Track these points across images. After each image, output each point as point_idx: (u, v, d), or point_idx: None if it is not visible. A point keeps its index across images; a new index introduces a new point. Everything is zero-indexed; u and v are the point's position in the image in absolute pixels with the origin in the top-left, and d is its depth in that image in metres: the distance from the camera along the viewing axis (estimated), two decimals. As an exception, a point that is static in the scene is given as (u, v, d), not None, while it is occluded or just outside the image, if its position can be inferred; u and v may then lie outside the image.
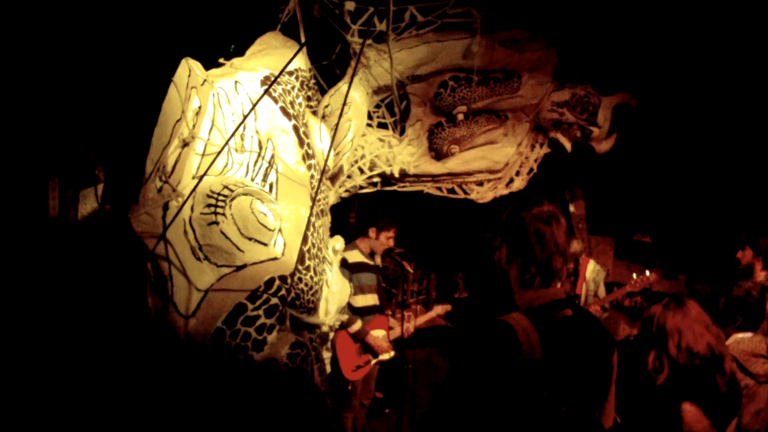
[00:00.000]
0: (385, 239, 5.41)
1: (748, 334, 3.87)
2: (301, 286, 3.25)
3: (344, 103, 3.07)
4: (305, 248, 3.40)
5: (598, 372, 2.17)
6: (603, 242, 8.27)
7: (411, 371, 5.67)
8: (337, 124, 3.08)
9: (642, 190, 7.49)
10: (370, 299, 5.39)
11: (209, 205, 2.95)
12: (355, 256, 5.33)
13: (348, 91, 2.95)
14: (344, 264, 5.13)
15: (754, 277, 5.15)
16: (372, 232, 5.42)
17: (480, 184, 5.55)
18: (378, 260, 5.59)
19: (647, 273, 5.81)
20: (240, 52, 3.82)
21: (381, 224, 5.40)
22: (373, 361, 5.32)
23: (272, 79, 3.60)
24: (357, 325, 5.09)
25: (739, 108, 5.53)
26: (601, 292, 6.05)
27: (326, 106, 4.26)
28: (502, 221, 2.28)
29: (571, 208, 7.95)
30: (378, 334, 5.33)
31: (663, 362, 2.84)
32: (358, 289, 5.22)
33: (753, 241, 5.30)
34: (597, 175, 7.19)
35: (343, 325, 5.03)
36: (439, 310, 5.90)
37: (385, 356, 5.38)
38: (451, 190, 5.52)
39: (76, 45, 3.62)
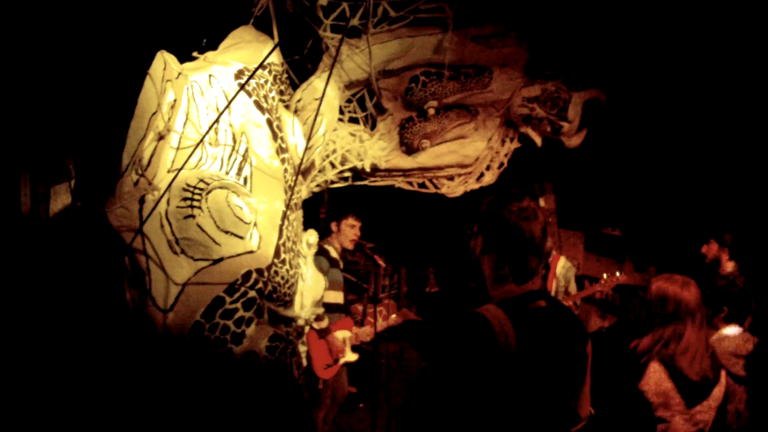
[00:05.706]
0: (348, 228, 5.40)
1: (735, 331, 3.80)
2: (278, 279, 3.25)
3: (320, 102, 3.06)
4: (280, 242, 3.39)
5: (573, 362, 2.16)
6: (573, 236, 8.34)
7: (384, 365, 5.66)
8: (314, 120, 3.07)
9: (611, 185, 7.58)
10: (339, 297, 5.39)
11: (185, 199, 2.94)
12: (332, 252, 5.34)
13: (325, 90, 2.95)
14: (326, 256, 5.14)
15: (721, 269, 5.25)
16: (333, 227, 5.45)
17: (450, 178, 5.57)
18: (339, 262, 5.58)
19: (617, 274, 5.87)
20: (213, 46, 3.80)
21: (338, 216, 5.43)
22: (342, 361, 5.31)
23: (246, 72, 3.58)
24: (325, 322, 5.07)
25: (707, 103, 5.61)
26: (572, 287, 6.10)
27: (298, 101, 4.25)
28: (481, 211, 2.26)
29: (541, 202, 7.95)
30: (342, 336, 5.34)
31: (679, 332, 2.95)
32: (330, 285, 5.21)
33: (717, 234, 5.40)
34: (567, 170, 7.27)
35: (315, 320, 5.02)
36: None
37: (351, 357, 5.37)
38: (422, 185, 5.53)
39: (47, 40, 3.56)
